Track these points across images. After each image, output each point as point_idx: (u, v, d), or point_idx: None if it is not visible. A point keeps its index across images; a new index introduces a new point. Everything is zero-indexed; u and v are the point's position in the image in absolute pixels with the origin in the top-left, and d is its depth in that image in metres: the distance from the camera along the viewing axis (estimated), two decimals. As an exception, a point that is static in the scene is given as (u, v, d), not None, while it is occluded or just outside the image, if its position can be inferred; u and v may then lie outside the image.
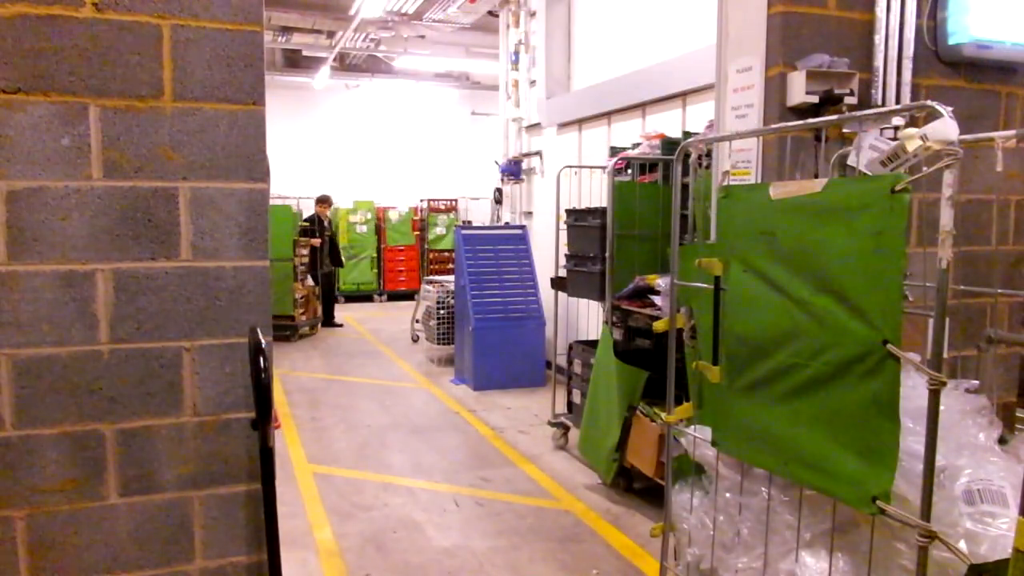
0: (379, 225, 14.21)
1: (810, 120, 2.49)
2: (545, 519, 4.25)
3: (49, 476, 2.05)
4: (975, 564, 1.87)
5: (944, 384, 1.81)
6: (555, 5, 7.98)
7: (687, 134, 5.16)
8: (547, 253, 6.69)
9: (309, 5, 10.70)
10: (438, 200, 14.81)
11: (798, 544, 2.28)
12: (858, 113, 2.33)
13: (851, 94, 2.85)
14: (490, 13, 9.80)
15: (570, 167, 6.13)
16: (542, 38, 8.04)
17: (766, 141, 2.92)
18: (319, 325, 10.92)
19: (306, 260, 10.51)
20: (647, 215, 4.79)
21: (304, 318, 10.28)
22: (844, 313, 2.00)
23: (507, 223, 9.01)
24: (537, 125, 8.37)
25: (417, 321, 9.61)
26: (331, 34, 11.96)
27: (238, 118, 2.12)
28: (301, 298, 10.15)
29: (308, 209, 12.11)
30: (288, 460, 5.21)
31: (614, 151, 5.77)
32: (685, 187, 3.35)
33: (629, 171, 5.23)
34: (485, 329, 7.28)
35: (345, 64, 13.90)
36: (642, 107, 6.46)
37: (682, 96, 5.86)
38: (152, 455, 2.13)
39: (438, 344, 8.43)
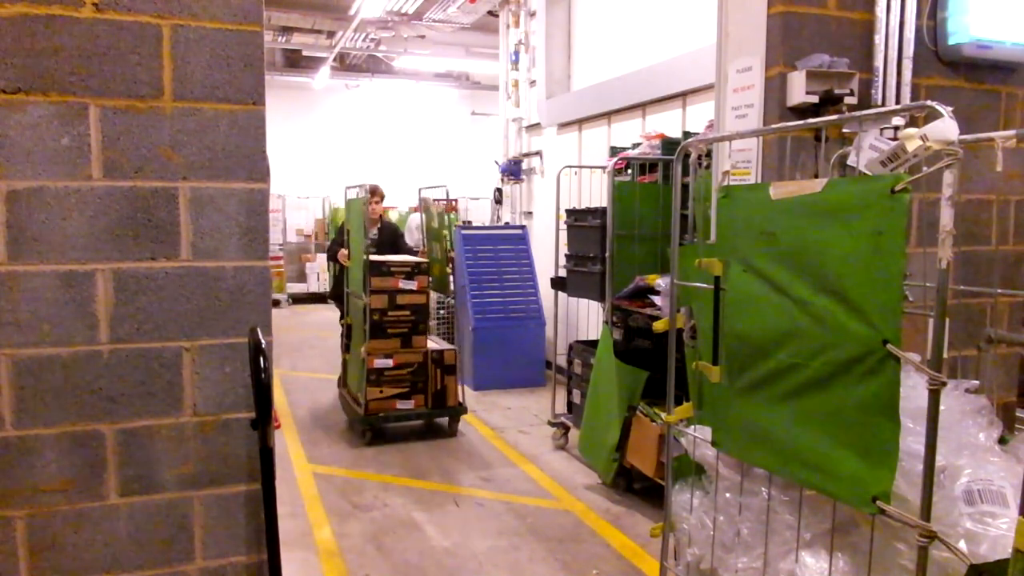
0: (379, 225, 14.20)
1: (810, 120, 2.49)
2: (545, 519, 4.25)
3: (49, 476, 2.05)
4: (975, 564, 1.87)
5: (944, 384, 1.81)
6: (555, 5, 7.98)
7: (687, 134, 5.16)
8: (547, 253, 6.69)
9: (309, 5, 10.70)
10: (438, 200, 14.80)
11: (798, 544, 2.28)
12: (858, 113, 2.33)
13: (851, 94, 2.85)
14: (490, 13, 9.80)
15: (570, 167, 6.13)
16: (542, 38, 8.04)
17: (766, 141, 2.91)
18: (455, 421, 5.87)
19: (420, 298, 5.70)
20: (647, 215, 4.79)
21: (409, 405, 5.59)
22: (844, 313, 2.00)
23: (507, 223, 9.01)
24: (537, 125, 8.37)
25: (417, 321, 9.55)
26: (331, 34, 11.96)
27: (238, 118, 2.12)
28: (395, 369, 5.54)
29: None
30: (288, 460, 5.21)
31: (614, 151, 5.78)
32: (685, 187, 3.34)
33: (629, 171, 5.23)
34: (485, 329, 7.28)
35: (345, 64, 13.90)
36: (642, 107, 6.46)
37: (682, 96, 5.86)
38: (152, 455, 2.13)
39: (438, 344, 8.40)
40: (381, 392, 5.52)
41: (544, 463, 5.20)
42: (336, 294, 6.70)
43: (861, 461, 1.97)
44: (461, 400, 5.84)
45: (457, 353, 5.84)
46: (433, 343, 5.96)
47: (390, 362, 5.54)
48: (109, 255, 2.05)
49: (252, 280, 2.18)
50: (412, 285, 5.62)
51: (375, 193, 6.47)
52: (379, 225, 6.64)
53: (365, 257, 5.49)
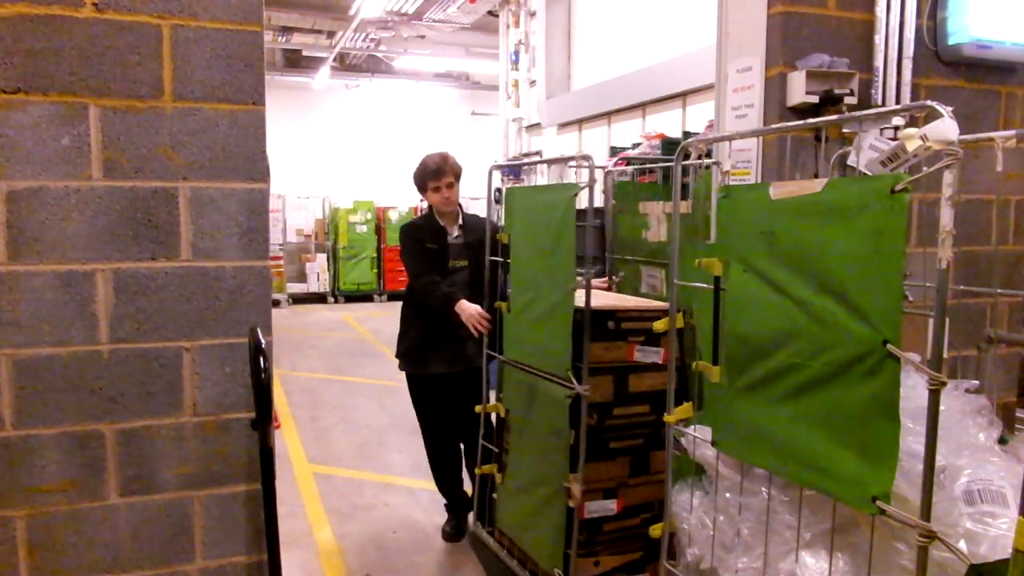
0: (379, 225, 14.22)
1: (810, 120, 2.49)
2: (545, 519, 4.24)
3: (49, 476, 2.05)
4: (975, 564, 1.87)
5: (944, 384, 1.81)
6: (555, 5, 7.99)
7: (687, 134, 5.16)
8: (547, 253, 6.67)
9: (309, 5, 10.70)
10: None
11: (798, 544, 2.28)
12: (858, 113, 2.32)
13: (851, 94, 2.85)
14: (490, 13, 9.81)
15: (570, 167, 6.13)
16: (542, 38, 8.04)
17: (766, 141, 2.91)
18: None
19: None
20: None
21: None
22: (844, 313, 2.00)
23: (507, 223, 8.99)
24: (537, 125, 8.38)
25: (417, 321, 9.47)
26: (331, 34, 11.97)
27: (238, 118, 2.12)
28: (620, 518, 2.91)
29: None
30: (288, 460, 5.21)
31: (614, 151, 5.78)
32: (685, 187, 3.34)
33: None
34: (485, 329, 7.24)
35: (345, 64, 13.90)
36: (642, 107, 6.46)
37: (682, 96, 5.86)
38: (152, 455, 2.13)
39: (438, 344, 8.32)
40: (597, 565, 2.91)
41: (544, 463, 5.20)
42: (426, 349, 3.78)
43: (861, 461, 1.97)
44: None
45: None
46: None
47: (613, 506, 2.92)
48: (109, 255, 2.05)
49: (252, 280, 2.18)
50: (655, 356, 2.95)
51: (440, 173, 3.81)
52: (459, 222, 3.91)
53: (579, 300, 2.81)
